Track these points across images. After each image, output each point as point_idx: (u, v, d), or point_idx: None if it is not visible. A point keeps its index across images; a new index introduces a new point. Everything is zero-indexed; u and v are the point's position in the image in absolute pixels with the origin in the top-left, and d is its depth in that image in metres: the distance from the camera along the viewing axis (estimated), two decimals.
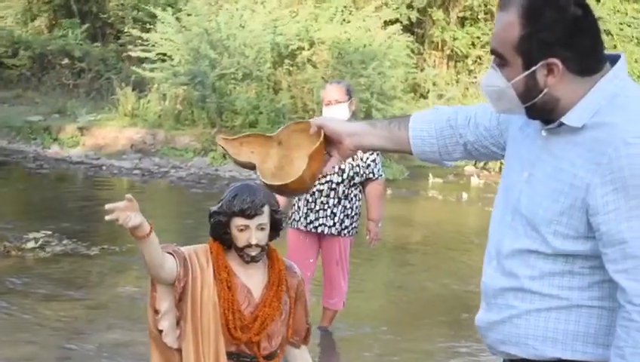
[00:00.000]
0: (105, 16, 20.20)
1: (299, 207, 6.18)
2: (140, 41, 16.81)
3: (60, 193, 12.51)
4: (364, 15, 17.74)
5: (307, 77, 16.28)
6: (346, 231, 6.17)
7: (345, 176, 6.08)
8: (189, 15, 16.83)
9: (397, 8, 19.13)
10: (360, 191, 6.22)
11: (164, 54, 16.50)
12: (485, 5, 20.28)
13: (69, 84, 18.89)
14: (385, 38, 17.35)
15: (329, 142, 2.56)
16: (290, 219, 6.20)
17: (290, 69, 16.62)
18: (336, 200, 6.11)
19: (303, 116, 15.32)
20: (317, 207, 6.11)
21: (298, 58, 16.69)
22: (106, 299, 7.15)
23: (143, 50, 16.66)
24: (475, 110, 2.52)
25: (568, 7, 2.10)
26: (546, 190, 2.20)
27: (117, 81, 17.36)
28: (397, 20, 18.84)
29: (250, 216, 3.26)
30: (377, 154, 6.17)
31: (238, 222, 3.27)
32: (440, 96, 19.22)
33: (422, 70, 19.86)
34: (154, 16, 17.13)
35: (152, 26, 17.05)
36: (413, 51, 19.08)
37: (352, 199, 6.15)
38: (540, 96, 2.17)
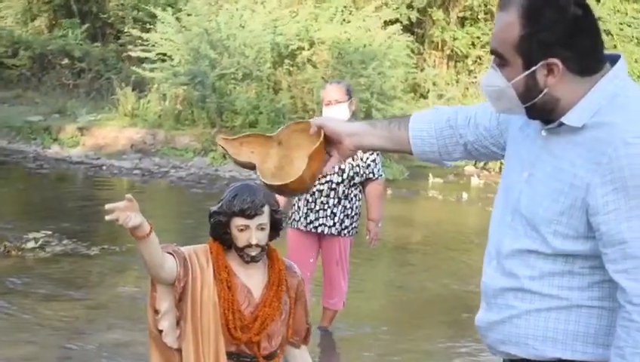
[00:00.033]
0: (105, 16, 20.20)
1: (299, 207, 6.18)
2: (140, 41, 16.81)
3: (60, 193, 12.51)
4: (364, 15, 17.74)
5: (307, 77, 16.29)
6: (346, 231, 6.17)
7: (345, 176, 6.08)
8: (189, 15, 16.83)
9: (397, 8, 19.13)
10: (360, 191, 6.22)
11: (164, 54, 16.50)
12: (485, 5, 20.29)
13: (69, 84, 18.90)
14: (385, 38, 17.35)
15: (329, 142, 2.55)
16: (290, 219, 6.20)
17: (290, 69, 16.62)
18: (336, 200, 6.11)
19: (303, 116, 15.33)
20: (317, 207, 6.11)
21: (298, 58, 16.69)
22: (106, 299, 7.15)
23: (143, 50, 16.66)
24: (475, 110, 2.52)
25: (568, 7, 2.10)
26: (546, 190, 2.20)
27: (117, 81, 17.37)
28: (397, 20, 18.84)
29: (250, 216, 3.26)
30: (377, 155, 6.17)
31: (238, 222, 3.28)
32: (440, 96, 19.23)
33: (422, 70, 19.87)
34: (154, 16, 17.13)
35: (152, 26, 17.06)
36: (413, 51, 19.08)
37: (352, 199, 6.15)
38: (540, 96, 2.17)
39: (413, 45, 19.18)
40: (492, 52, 2.21)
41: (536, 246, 2.22)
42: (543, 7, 2.11)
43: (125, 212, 2.94)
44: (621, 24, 21.00)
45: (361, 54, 16.44)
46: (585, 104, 2.16)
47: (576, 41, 2.12)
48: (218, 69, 15.77)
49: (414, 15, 19.77)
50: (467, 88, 20.33)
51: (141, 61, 16.80)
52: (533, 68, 2.15)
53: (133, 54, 17.13)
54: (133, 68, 16.67)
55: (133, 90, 16.82)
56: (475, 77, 19.97)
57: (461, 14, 20.97)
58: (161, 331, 3.29)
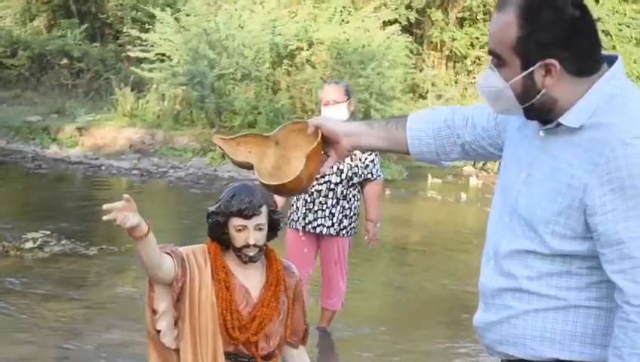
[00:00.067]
0: (104, 16, 20.19)
1: (297, 208, 6.18)
2: (138, 41, 16.80)
3: (58, 193, 12.51)
4: (363, 15, 17.74)
5: (306, 77, 16.28)
6: (344, 232, 6.17)
7: (343, 176, 6.08)
8: (187, 15, 16.82)
9: (396, 9, 19.13)
10: (358, 192, 6.22)
11: (163, 54, 16.49)
12: (484, 6, 20.28)
13: (68, 84, 18.88)
14: (384, 38, 17.35)
15: (326, 142, 2.55)
16: (288, 219, 6.20)
17: (289, 69, 16.62)
18: (335, 200, 6.11)
19: (301, 116, 15.32)
20: (315, 208, 6.11)
21: (297, 58, 16.69)
22: (104, 299, 7.15)
23: (142, 51, 16.65)
24: (473, 110, 2.52)
25: (566, 8, 2.10)
26: (544, 190, 2.20)
27: (116, 81, 17.35)
28: (396, 21, 18.83)
29: (248, 217, 3.26)
30: (376, 155, 6.17)
31: (235, 222, 3.28)
32: (439, 97, 19.22)
33: (421, 70, 19.86)
34: (153, 16, 17.12)
35: (150, 26, 17.05)
36: (412, 52, 19.08)
37: (350, 199, 6.15)
38: (538, 96, 2.18)
39: (412, 46, 19.17)
40: (490, 52, 2.22)
41: (534, 246, 2.22)
42: (541, 7, 2.11)
43: (123, 212, 2.95)
44: (620, 25, 20.99)
45: (360, 55, 16.44)
46: (582, 105, 2.16)
47: (573, 42, 2.12)
48: (217, 69, 15.77)
49: (413, 15, 19.76)
50: (466, 89, 20.33)
51: (140, 61, 16.79)
52: (531, 68, 2.15)
53: (132, 54, 17.12)
54: (132, 68, 16.66)
55: (132, 90, 16.81)
56: (474, 77, 19.97)
57: (460, 15, 20.97)
58: (159, 331, 3.29)
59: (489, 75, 2.23)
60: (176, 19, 16.77)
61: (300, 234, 6.17)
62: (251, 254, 3.31)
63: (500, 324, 2.31)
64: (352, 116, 6.18)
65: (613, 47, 20.08)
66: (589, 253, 2.17)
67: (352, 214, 6.17)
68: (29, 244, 8.49)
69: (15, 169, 14.26)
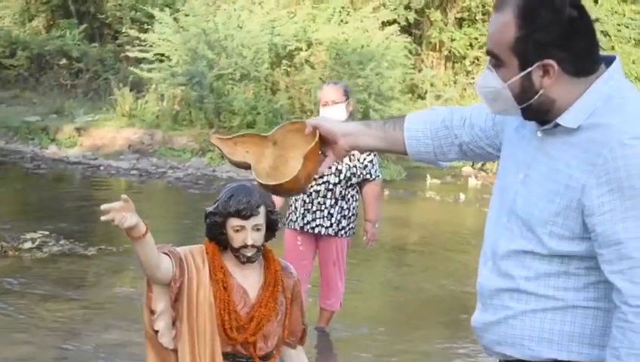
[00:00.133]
0: (103, 16, 20.18)
1: (296, 208, 6.18)
2: (137, 41, 16.80)
3: (57, 193, 12.50)
4: (362, 16, 17.74)
5: (305, 77, 16.28)
6: (343, 232, 6.17)
7: (342, 176, 6.08)
8: (186, 15, 16.82)
9: (395, 9, 19.12)
10: (357, 192, 6.22)
11: (162, 55, 16.49)
12: (483, 6, 20.28)
13: (67, 84, 18.87)
14: (383, 38, 17.35)
15: (324, 143, 2.55)
16: (287, 219, 6.20)
17: (288, 69, 16.61)
18: (334, 200, 6.11)
19: (300, 117, 15.32)
20: (314, 208, 6.11)
21: (296, 59, 16.69)
22: (103, 299, 7.14)
23: (141, 51, 16.65)
24: (471, 111, 2.52)
25: (564, 8, 2.10)
26: (542, 191, 2.20)
27: (115, 81, 17.34)
28: (395, 21, 18.83)
29: (246, 217, 3.26)
30: (374, 155, 6.17)
31: (233, 222, 3.28)
32: (438, 97, 19.22)
33: (420, 71, 19.86)
34: (152, 16, 17.12)
35: (149, 27, 17.04)
36: (410, 52, 19.08)
37: (349, 200, 6.15)
38: (536, 97, 2.18)
39: (410, 46, 19.17)
40: (488, 53, 2.22)
41: (532, 247, 2.22)
42: (539, 8, 2.11)
43: (121, 212, 2.95)
44: (619, 25, 21.00)
45: (359, 55, 16.44)
46: (580, 105, 2.16)
47: (571, 43, 2.12)
48: (216, 70, 15.77)
49: (412, 16, 19.76)
50: (465, 89, 20.33)
51: (139, 61, 16.79)
52: (529, 69, 2.15)
53: (130, 55, 17.11)
54: (131, 68, 16.65)
55: (130, 90, 16.80)
56: (473, 78, 19.97)
57: (459, 15, 20.97)
58: (157, 331, 3.29)
59: (487, 75, 2.23)
60: (175, 19, 16.77)
61: (298, 236, 6.17)
62: (249, 254, 3.31)
63: (497, 325, 2.31)
64: (351, 116, 6.18)
65: (612, 48, 20.09)
66: (587, 254, 2.17)
67: (350, 214, 6.17)
68: (28, 244, 8.49)
69: (14, 169, 14.26)
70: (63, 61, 19.05)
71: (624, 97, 2.16)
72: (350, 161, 6.06)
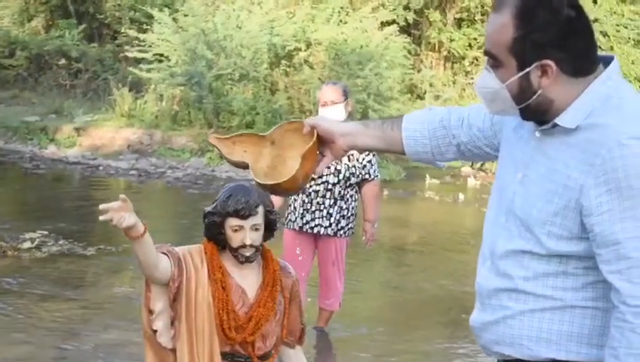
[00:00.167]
0: (102, 16, 20.18)
1: (295, 208, 6.18)
2: (136, 41, 16.80)
3: (56, 193, 12.50)
4: (361, 16, 17.74)
5: (304, 78, 16.29)
6: (342, 232, 6.18)
7: (341, 176, 6.09)
8: (185, 16, 16.82)
9: (394, 9, 19.13)
10: (356, 192, 6.22)
11: (161, 55, 16.49)
12: (482, 7, 20.29)
13: (66, 84, 18.87)
14: (382, 39, 17.35)
15: (322, 142, 2.55)
16: (286, 219, 6.21)
17: (287, 69, 16.61)
18: (333, 200, 6.11)
19: (299, 117, 15.31)
20: (313, 208, 6.12)
21: (295, 59, 16.69)
22: (102, 299, 7.14)
23: (140, 51, 16.65)
24: (469, 111, 2.52)
25: (562, 8, 2.10)
26: (540, 191, 2.20)
27: (114, 81, 17.34)
28: (394, 21, 18.84)
29: (244, 217, 3.26)
30: (373, 155, 6.18)
31: (232, 222, 3.28)
32: (437, 98, 19.23)
33: (419, 71, 19.86)
34: (151, 16, 17.12)
35: (148, 27, 17.04)
36: (410, 52, 19.09)
37: (348, 200, 6.15)
38: (534, 97, 2.18)
39: (409, 46, 19.18)
40: (486, 53, 2.22)
41: (530, 246, 2.22)
42: (537, 8, 2.11)
43: (119, 212, 2.95)
44: (618, 25, 21.01)
45: (358, 55, 16.44)
46: (578, 105, 2.16)
47: (569, 43, 2.12)
48: (215, 70, 15.77)
49: (411, 16, 19.76)
50: (464, 89, 20.34)
51: (138, 62, 16.79)
52: (527, 69, 2.15)
53: (130, 55, 17.10)
54: (130, 68, 16.65)
55: (130, 90, 16.80)
56: (472, 78, 19.97)
57: (458, 16, 20.98)
58: (155, 331, 3.29)
59: (485, 75, 2.23)
60: (174, 19, 16.77)
61: (297, 242, 6.17)
62: (248, 254, 3.31)
63: (496, 324, 2.31)
64: (350, 117, 6.18)
65: (611, 48, 20.10)
66: (585, 254, 2.17)
67: (349, 214, 6.18)
68: (27, 244, 8.49)
69: (13, 169, 14.25)
70: (62, 61, 19.05)
71: (622, 97, 2.17)
72: (349, 161, 6.07)
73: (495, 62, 2.19)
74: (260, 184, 2.55)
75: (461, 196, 14.16)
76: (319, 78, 15.74)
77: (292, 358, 3.55)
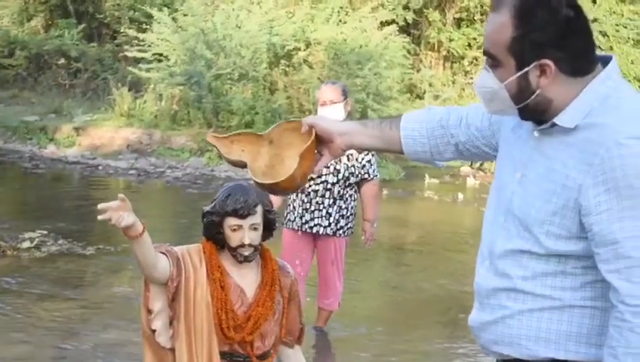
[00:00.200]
0: (101, 16, 20.19)
1: (294, 207, 6.18)
2: (136, 41, 16.80)
3: (55, 193, 12.50)
4: (361, 16, 17.75)
5: (303, 77, 16.29)
6: (341, 232, 6.18)
7: (340, 176, 6.09)
8: (185, 15, 16.82)
9: (393, 9, 19.14)
10: (355, 192, 6.22)
11: (161, 54, 16.49)
12: (481, 6, 20.29)
13: (65, 84, 18.87)
14: (381, 38, 17.36)
15: (320, 141, 2.55)
16: (285, 219, 6.21)
17: (287, 69, 16.62)
18: (332, 200, 6.11)
19: (299, 117, 15.30)
20: (312, 207, 6.12)
21: (294, 58, 16.69)
22: (101, 298, 7.14)
23: (140, 51, 16.65)
24: (467, 110, 2.52)
25: (560, 8, 2.10)
26: (539, 190, 2.20)
27: (113, 81, 17.34)
28: (393, 21, 18.85)
29: (243, 216, 3.26)
30: (373, 155, 6.18)
31: (231, 221, 3.28)
32: (436, 97, 19.23)
33: (418, 71, 19.87)
34: (150, 16, 17.13)
35: (148, 27, 17.04)
36: (409, 52, 19.09)
37: (347, 199, 6.15)
38: (533, 97, 2.18)
39: (409, 46, 19.19)
40: (485, 53, 2.21)
41: (529, 246, 2.22)
42: (535, 8, 2.11)
43: (118, 211, 2.95)
44: (617, 25, 21.02)
45: (357, 55, 16.45)
46: (577, 105, 2.16)
47: (568, 42, 2.12)
48: (214, 69, 15.77)
49: (410, 16, 19.77)
50: (463, 89, 20.34)
51: (137, 61, 16.79)
52: (526, 69, 2.15)
53: (129, 54, 17.11)
54: (130, 68, 16.65)
55: (129, 90, 16.80)
56: (472, 78, 19.98)
57: (457, 15, 20.99)
58: (154, 331, 3.29)
59: (484, 75, 2.23)
60: (174, 19, 16.77)
61: (296, 241, 6.17)
62: (246, 254, 3.31)
63: (494, 324, 2.31)
64: (349, 116, 6.18)
65: (611, 48, 20.11)
66: (584, 253, 2.17)
67: (348, 214, 6.18)
68: (26, 244, 8.49)
69: (12, 169, 14.25)
70: (62, 61, 19.05)
71: (620, 97, 2.16)
72: (348, 160, 6.07)
73: (494, 62, 2.19)
74: (258, 183, 2.55)
75: (460, 196, 14.16)
76: (318, 78, 15.74)
77: (291, 358, 3.55)
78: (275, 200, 5.20)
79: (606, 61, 2.20)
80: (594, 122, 2.13)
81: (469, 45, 20.81)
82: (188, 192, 12.99)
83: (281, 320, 3.42)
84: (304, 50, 16.78)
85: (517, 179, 2.27)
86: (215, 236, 3.34)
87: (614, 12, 21.12)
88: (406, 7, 19.68)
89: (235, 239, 3.29)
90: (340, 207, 6.13)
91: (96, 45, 19.82)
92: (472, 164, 16.85)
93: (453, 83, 20.67)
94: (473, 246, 9.62)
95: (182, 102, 16.28)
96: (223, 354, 3.30)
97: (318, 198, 6.10)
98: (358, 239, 6.50)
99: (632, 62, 20.60)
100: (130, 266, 7.76)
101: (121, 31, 18.67)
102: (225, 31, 16.27)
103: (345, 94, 6.13)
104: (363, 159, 6.10)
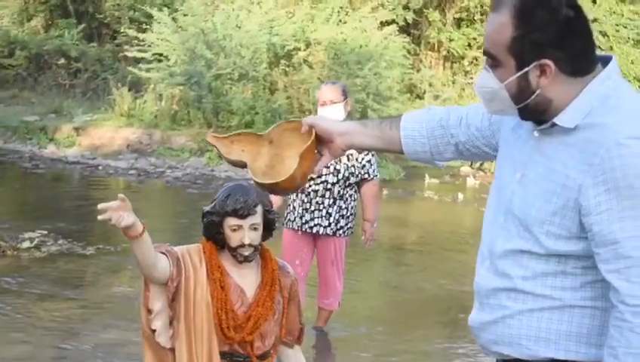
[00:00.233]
0: (101, 16, 20.19)
1: (294, 207, 6.18)
2: (136, 41, 16.80)
3: (55, 193, 12.50)
4: (361, 16, 17.75)
5: (303, 77, 16.29)
6: (341, 232, 6.18)
7: (340, 176, 6.09)
8: (185, 15, 16.83)
9: (393, 9, 19.14)
10: (355, 192, 6.22)
11: (161, 54, 16.49)
12: (481, 6, 20.30)
13: (65, 84, 18.87)
14: (381, 38, 17.36)
15: (320, 141, 2.55)
16: (285, 219, 6.21)
17: (287, 69, 16.62)
18: (332, 200, 6.11)
19: (299, 117, 15.30)
20: (312, 207, 6.12)
21: (294, 58, 16.69)
22: (101, 298, 7.14)
23: (140, 51, 16.65)
24: (467, 110, 2.52)
25: (560, 8, 2.10)
26: (539, 190, 2.20)
27: (113, 81, 17.35)
28: (393, 21, 18.85)
29: (243, 216, 3.26)
30: (373, 155, 6.18)
31: (231, 222, 3.28)
32: (436, 97, 19.23)
33: (418, 71, 19.87)
34: (150, 16, 17.13)
35: (148, 27, 17.05)
36: (409, 52, 19.09)
37: (347, 199, 6.15)
38: (533, 97, 2.18)
39: (409, 46, 19.19)
40: (484, 53, 2.21)
41: (529, 246, 2.22)
42: (535, 7, 2.11)
43: (118, 211, 2.95)
44: (617, 25, 21.02)
45: (357, 55, 16.45)
46: (577, 105, 2.16)
47: (568, 42, 2.12)
48: (214, 69, 15.77)
49: (410, 16, 19.77)
50: (463, 89, 20.35)
51: (137, 61, 16.79)
52: (526, 69, 2.15)
53: (129, 54, 17.11)
54: (130, 68, 16.66)
55: (129, 90, 16.81)
56: (472, 78, 19.98)
57: (457, 15, 20.99)
58: (154, 331, 3.29)
59: (484, 75, 2.23)
60: (174, 19, 16.78)
61: (296, 239, 6.17)
62: (246, 254, 3.31)
63: (494, 324, 2.31)
64: (349, 116, 6.18)
65: (611, 48, 20.12)
66: (584, 253, 2.17)
67: (348, 214, 6.18)
68: (26, 244, 8.49)
69: (12, 169, 14.25)
70: (62, 61, 19.05)
71: (620, 97, 2.16)
72: (348, 160, 6.07)
73: (494, 62, 2.19)
74: (258, 183, 2.55)
75: (460, 196, 14.16)
76: (318, 78, 15.74)
77: (291, 358, 3.55)
78: (276, 200, 5.20)
79: (606, 61, 2.20)
80: (594, 122, 2.13)
81: (469, 45, 20.82)
82: (188, 192, 12.99)
83: (281, 320, 3.42)
84: (304, 50, 16.78)
85: (517, 179, 2.27)
86: (215, 236, 3.34)
87: (614, 12, 21.13)
88: (406, 7, 19.68)
89: (235, 239, 3.29)
90: (340, 207, 6.13)
91: (96, 45, 19.82)
92: (472, 164, 16.85)
93: (453, 83, 20.68)
94: (473, 246, 9.62)
95: (182, 102, 16.28)
96: (222, 354, 3.30)
97: (318, 198, 6.10)
98: (358, 239, 6.50)
99: (632, 62, 20.60)
100: (130, 266, 7.76)
101: (121, 31, 18.68)
102: (225, 31, 16.27)
103: (345, 94, 6.14)
104: (363, 159, 6.10)
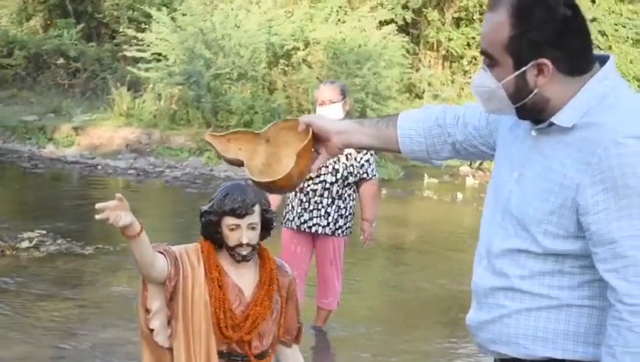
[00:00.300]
0: (100, 16, 20.19)
1: (293, 207, 6.18)
2: (135, 40, 16.81)
3: (54, 193, 12.50)
4: (360, 15, 17.76)
5: (302, 77, 16.30)
6: (340, 231, 6.17)
7: (339, 175, 6.09)
8: (184, 15, 16.83)
9: (392, 9, 19.14)
10: (354, 191, 6.22)
11: (160, 54, 16.50)
12: (480, 6, 20.30)
13: (64, 83, 18.87)
14: (380, 38, 17.37)
15: (317, 140, 2.55)
16: (284, 218, 6.21)
17: (286, 69, 16.63)
18: (330, 200, 6.11)
19: (298, 116, 15.30)
20: (311, 207, 6.11)
21: (293, 58, 16.70)
22: (100, 298, 7.14)
23: (138, 50, 16.66)
24: (465, 110, 2.52)
25: (558, 7, 2.10)
26: (536, 190, 2.20)
27: (112, 80, 17.35)
28: (392, 21, 18.86)
29: (240, 216, 3.26)
30: (371, 154, 6.18)
31: (228, 221, 3.28)
32: (435, 97, 19.24)
33: (417, 70, 19.88)
34: (149, 16, 17.14)
35: (147, 26, 17.05)
36: (408, 51, 19.10)
37: (345, 199, 6.15)
38: (530, 96, 2.18)
39: (408, 45, 19.20)
40: (482, 52, 2.21)
41: (527, 245, 2.22)
42: (533, 7, 2.11)
43: (115, 211, 2.95)
44: (616, 25, 21.02)
45: (356, 54, 16.46)
46: (574, 104, 2.16)
47: (565, 42, 2.12)
48: (213, 69, 15.78)
49: (409, 15, 19.78)
50: (462, 88, 20.36)
51: (136, 61, 16.80)
52: (524, 68, 2.15)
53: (128, 54, 17.11)
54: (129, 68, 16.66)
55: (128, 89, 16.81)
56: (471, 77, 19.97)
57: (456, 15, 21.00)
58: (152, 330, 3.29)
59: (482, 75, 2.23)
60: (173, 18, 16.78)
61: (295, 239, 6.17)
62: (244, 253, 3.31)
63: (492, 323, 2.31)
64: (348, 116, 6.18)
65: (610, 48, 20.12)
66: (582, 252, 2.17)
67: (347, 214, 6.18)
68: (25, 244, 8.49)
69: (11, 168, 14.25)
70: (61, 60, 19.05)
71: (618, 96, 2.16)
72: (347, 160, 6.07)
73: (491, 61, 2.19)
74: (255, 181, 2.55)
75: (459, 195, 14.17)
76: (317, 77, 15.75)
77: (289, 357, 3.55)
78: (274, 200, 5.20)
79: (604, 60, 2.20)
80: (592, 121, 2.13)
81: (468, 45, 20.82)
82: (187, 192, 12.99)
83: (279, 320, 3.42)
84: (303, 49, 16.78)
85: (514, 178, 2.27)
86: (213, 235, 3.34)
87: (613, 11, 21.13)
88: (405, 7, 19.69)
89: (232, 238, 3.29)
90: (339, 207, 6.13)
91: (95, 45, 19.82)
92: (471, 164, 16.85)
93: (452, 82, 20.69)
94: (472, 245, 9.59)
95: (181, 102, 16.29)
96: (221, 354, 3.30)
97: (316, 198, 6.10)
98: (357, 239, 6.50)
99: (631, 62, 20.60)
100: (129, 266, 7.75)
101: (120, 30, 18.69)
102: (224, 30, 16.28)
103: (344, 94, 6.13)
104: (362, 158, 6.10)
